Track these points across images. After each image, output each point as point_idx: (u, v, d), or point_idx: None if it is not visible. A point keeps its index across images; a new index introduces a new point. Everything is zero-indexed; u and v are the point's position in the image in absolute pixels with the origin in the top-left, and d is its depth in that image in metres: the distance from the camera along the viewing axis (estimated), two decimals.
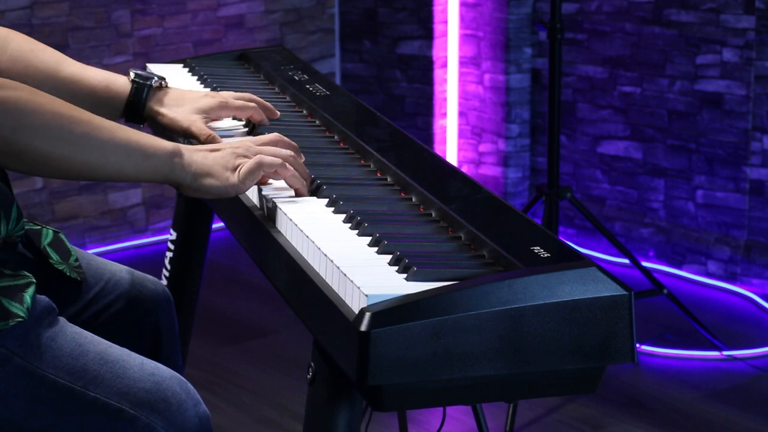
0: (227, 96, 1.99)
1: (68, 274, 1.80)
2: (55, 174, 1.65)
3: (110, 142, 1.64)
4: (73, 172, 1.64)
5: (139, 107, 1.96)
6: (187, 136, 1.94)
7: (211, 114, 1.96)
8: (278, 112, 2.05)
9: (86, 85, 1.95)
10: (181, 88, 2.03)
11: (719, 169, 3.93)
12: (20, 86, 1.59)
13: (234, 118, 2.04)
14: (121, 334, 1.87)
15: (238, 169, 1.68)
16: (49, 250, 1.79)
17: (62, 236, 1.82)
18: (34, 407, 1.63)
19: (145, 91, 1.96)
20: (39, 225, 1.83)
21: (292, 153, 1.73)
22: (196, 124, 1.93)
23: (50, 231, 1.82)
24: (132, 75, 1.97)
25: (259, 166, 1.69)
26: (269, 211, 1.71)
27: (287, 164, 1.71)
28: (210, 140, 1.90)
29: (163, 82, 1.98)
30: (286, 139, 1.78)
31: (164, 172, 1.67)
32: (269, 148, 1.72)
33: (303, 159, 1.78)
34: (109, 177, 1.67)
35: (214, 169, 1.68)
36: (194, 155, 1.69)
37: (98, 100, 1.95)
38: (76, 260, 1.84)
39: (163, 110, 1.95)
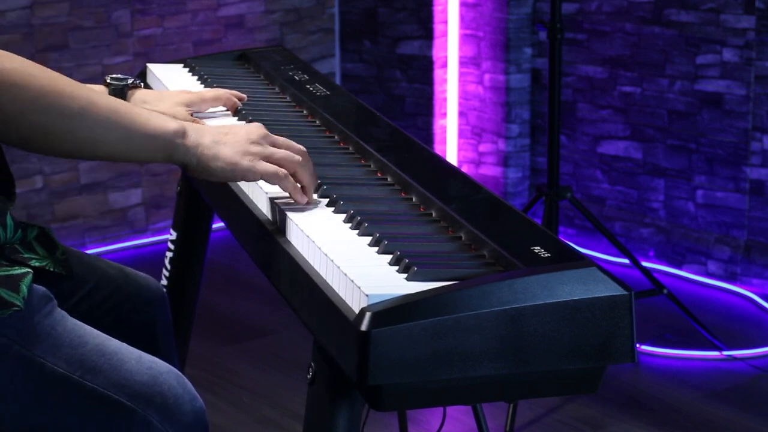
0: (201, 91, 2.09)
1: (51, 269, 1.79)
2: (53, 150, 1.63)
3: (110, 118, 1.62)
4: (70, 148, 1.62)
5: None
6: None
7: (192, 107, 2.04)
8: (245, 96, 2.15)
9: None
10: (179, 88, 2.07)
11: (719, 169, 3.93)
12: (17, 58, 1.58)
13: None
14: (116, 331, 1.86)
15: (252, 159, 1.67)
16: (34, 243, 1.79)
17: (48, 231, 1.82)
18: (33, 396, 1.64)
19: (123, 91, 2.02)
20: (24, 222, 1.82)
21: (302, 159, 1.71)
22: (181, 114, 1.99)
23: (36, 227, 1.82)
24: (108, 79, 2.04)
25: (279, 178, 1.67)
26: (270, 211, 1.71)
27: (303, 193, 1.69)
28: None
29: (137, 81, 2.05)
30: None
31: (167, 152, 1.66)
32: (281, 152, 1.69)
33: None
34: (108, 155, 1.65)
35: (225, 152, 1.66)
36: (202, 138, 1.67)
37: None
38: (63, 253, 1.83)
39: (145, 106, 2.00)
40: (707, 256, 3.97)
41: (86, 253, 1.99)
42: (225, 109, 2.12)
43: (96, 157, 1.66)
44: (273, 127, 2.01)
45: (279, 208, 1.67)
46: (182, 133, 1.66)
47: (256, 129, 1.71)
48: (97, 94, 1.64)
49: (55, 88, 1.59)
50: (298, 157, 1.70)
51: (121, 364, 1.67)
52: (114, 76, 2.04)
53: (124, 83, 2.03)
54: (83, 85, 1.64)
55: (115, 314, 1.94)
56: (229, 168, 1.67)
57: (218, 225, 3.49)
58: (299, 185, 1.70)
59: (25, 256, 1.75)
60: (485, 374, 1.38)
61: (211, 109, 2.11)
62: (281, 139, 1.73)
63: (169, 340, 2.02)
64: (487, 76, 4.42)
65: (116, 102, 1.65)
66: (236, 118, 2.09)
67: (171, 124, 1.66)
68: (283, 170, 1.68)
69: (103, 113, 1.62)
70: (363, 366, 1.34)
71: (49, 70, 1.62)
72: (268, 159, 1.68)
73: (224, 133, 1.69)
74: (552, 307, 1.39)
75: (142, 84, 2.07)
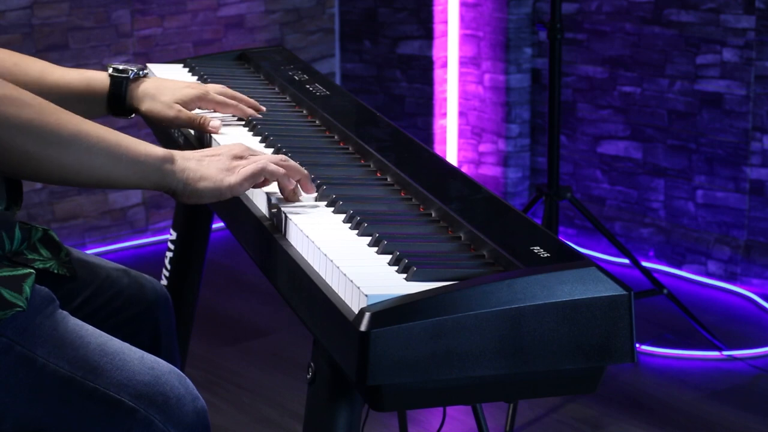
0: (209, 88, 2.03)
1: (55, 271, 1.79)
2: (40, 176, 1.64)
3: (98, 145, 1.63)
4: (58, 174, 1.62)
5: (120, 100, 2.00)
6: (176, 126, 2.00)
7: (190, 105, 2.01)
8: (264, 108, 2.09)
9: (68, 88, 1.98)
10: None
11: (719, 169, 3.93)
12: (8, 85, 1.59)
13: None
14: (119, 332, 1.87)
15: (235, 171, 1.68)
16: (38, 245, 1.79)
17: (52, 233, 1.82)
18: (35, 396, 1.64)
19: (124, 84, 2.00)
20: (29, 224, 1.83)
21: (285, 157, 1.72)
22: (183, 113, 1.97)
23: (39, 228, 1.82)
24: (110, 69, 2.01)
25: (261, 171, 1.68)
26: (270, 212, 1.71)
27: (290, 177, 1.70)
28: (201, 123, 1.95)
29: (141, 73, 2.02)
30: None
31: (155, 179, 1.66)
32: (264, 156, 1.71)
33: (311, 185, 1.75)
34: (96, 182, 1.66)
35: (209, 172, 1.67)
36: (188, 162, 1.68)
37: (81, 99, 1.98)
38: (67, 255, 1.84)
39: (145, 102, 1.99)
40: (707, 256, 3.97)
41: (89, 255, 1.99)
42: (236, 118, 2.08)
43: (84, 184, 1.66)
44: (272, 127, 2.02)
45: (279, 208, 1.67)
46: (170, 159, 1.67)
47: (238, 146, 1.73)
48: (86, 122, 1.65)
49: (45, 115, 1.60)
50: (281, 155, 1.71)
51: (124, 364, 1.67)
52: (116, 67, 2.01)
53: (126, 76, 2.00)
54: (72, 114, 1.65)
55: (118, 316, 1.95)
56: (216, 186, 1.67)
57: (218, 225, 3.49)
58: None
59: (29, 257, 1.75)
60: (485, 374, 1.38)
61: (219, 115, 2.07)
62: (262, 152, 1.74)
63: (172, 341, 2.02)
64: (487, 76, 4.42)
65: (105, 130, 1.66)
66: (242, 123, 2.07)
67: (158, 151, 1.67)
68: (263, 165, 1.68)
69: (93, 140, 1.63)
70: (362, 366, 1.34)
71: (38, 97, 1.62)
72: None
73: (208, 156, 1.70)
74: (552, 307, 1.39)
75: (147, 74, 2.04)
